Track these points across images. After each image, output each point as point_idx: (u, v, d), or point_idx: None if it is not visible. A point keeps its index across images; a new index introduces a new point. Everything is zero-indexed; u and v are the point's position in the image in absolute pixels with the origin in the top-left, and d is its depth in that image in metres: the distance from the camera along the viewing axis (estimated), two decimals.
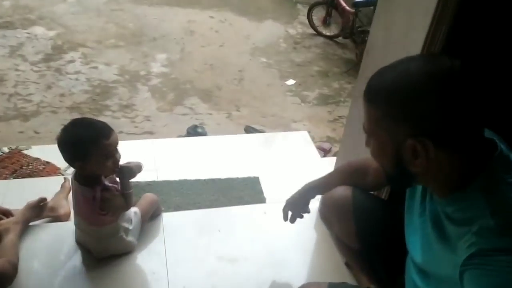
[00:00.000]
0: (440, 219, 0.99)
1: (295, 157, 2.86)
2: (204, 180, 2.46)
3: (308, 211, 1.67)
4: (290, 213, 1.68)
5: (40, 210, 1.96)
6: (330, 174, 1.58)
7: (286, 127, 3.56)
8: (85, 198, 1.60)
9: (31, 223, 1.93)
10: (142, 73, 4.03)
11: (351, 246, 1.47)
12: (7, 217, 1.90)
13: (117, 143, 1.60)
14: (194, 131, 3.27)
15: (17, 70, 3.85)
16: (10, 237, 1.77)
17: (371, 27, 1.56)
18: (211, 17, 5.23)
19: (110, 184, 1.64)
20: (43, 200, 1.95)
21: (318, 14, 5.09)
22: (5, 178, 2.53)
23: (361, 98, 1.61)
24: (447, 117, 0.87)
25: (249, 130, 3.36)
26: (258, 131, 3.35)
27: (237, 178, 2.50)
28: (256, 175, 2.56)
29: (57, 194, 2.17)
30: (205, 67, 4.26)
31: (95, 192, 1.57)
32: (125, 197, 1.64)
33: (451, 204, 0.95)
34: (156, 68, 4.13)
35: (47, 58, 4.07)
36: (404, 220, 1.21)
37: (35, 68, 3.89)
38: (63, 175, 2.57)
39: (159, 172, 2.51)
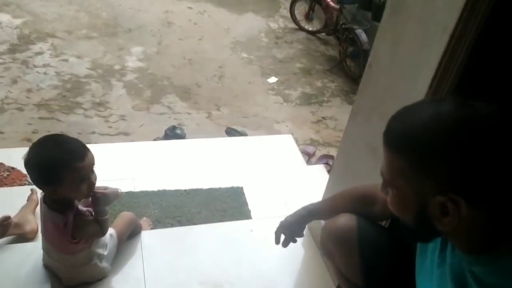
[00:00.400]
0: (464, 277, 0.87)
1: (279, 163, 2.74)
2: (185, 190, 2.30)
3: (302, 236, 1.54)
4: (282, 236, 1.54)
5: (3, 229, 1.77)
6: (331, 199, 1.44)
7: (269, 129, 3.42)
8: (55, 225, 1.43)
9: None
10: (117, 67, 3.80)
11: (352, 281, 1.34)
12: None
13: (93, 164, 1.42)
14: (172, 133, 3.09)
15: None
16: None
17: (375, 39, 1.43)
18: (189, 7, 5.01)
19: (84, 208, 1.47)
20: (7, 219, 1.77)
21: (301, 8, 4.94)
22: None
23: (360, 116, 1.48)
24: (485, 172, 0.75)
25: (230, 132, 3.21)
26: (240, 133, 3.20)
27: (220, 188, 2.35)
28: (239, 183, 2.41)
29: (23, 208, 1.98)
30: (184, 62, 4.06)
31: (66, 218, 1.40)
32: (100, 223, 1.47)
33: (481, 264, 0.83)
34: (131, 62, 3.91)
35: (13, 49, 3.79)
36: (414, 261, 1.09)
37: None
38: (29, 183, 2.36)
39: (136, 181, 2.33)
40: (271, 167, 2.66)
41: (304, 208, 1.48)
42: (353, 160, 1.63)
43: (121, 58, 3.93)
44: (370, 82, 1.47)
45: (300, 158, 2.89)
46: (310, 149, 3.21)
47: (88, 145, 2.72)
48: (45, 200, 1.45)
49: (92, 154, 1.42)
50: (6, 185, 2.37)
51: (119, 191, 1.59)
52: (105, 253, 1.60)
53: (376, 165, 1.50)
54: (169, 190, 2.29)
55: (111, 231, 1.69)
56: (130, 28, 4.42)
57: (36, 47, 3.87)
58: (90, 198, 1.48)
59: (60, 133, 1.45)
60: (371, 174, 1.55)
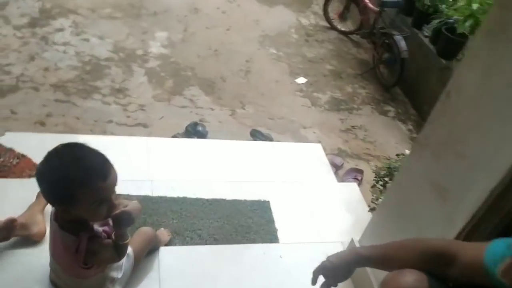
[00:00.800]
0: None
1: (307, 176, 2.55)
2: (207, 200, 2.11)
3: (344, 280, 1.33)
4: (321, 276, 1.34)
5: (8, 232, 1.59)
6: (387, 248, 1.22)
7: (295, 134, 3.21)
8: (65, 247, 1.24)
9: None
10: (139, 52, 3.60)
11: None
12: None
13: (116, 184, 1.22)
14: (194, 130, 2.89)
15: None
16: None
17: (461, 64, 1.21)
18: None
19: (100, 229, 1.27)
20: (12, 221, 1.58)
21: (335, 6, 4.69)
22: None
23: (428, 150, 1.26)
24: None
25: (255, 135, 3.00)
26: (265, 137, 3.00)
27: (245, 200, 2.16)
28: (265, 196, 2.23)
29: (31, 207, 1.79)
30: (209, 53, 3.84)
31: (79, 242, 1.21)
32: (119, 248, 1.28)
33: None
34: (155, 48, 3.70)
35: (33, 23, 3.59)
36: None
37: (18, 34, 3.42)
38: None
39: (154, 184, 2.14)
40: (299, 179, 2.47)
41: (352, 252, 1.28)
42: (411, 199, 1.42)
43: (144, 43, 3.72)
44: (447, 114, 1.26)
45: (329, 171, 2.70)
46: (338, 160, 3.00)
47: (103, 137, 2.55)
48: (56, 217, 1.26)
49: (116, 172, 1.22)
50: (14, 174, 2.19)
51: (140, 206, 1.39)
52: (119, 276, 1.41)
53: (443, 209, 1.29)
54: (190, 198, 2.10)
55: (128, 250, 1.50)
56: (156, 11, 4.20)
57: (57, 23, 3.66)
58: (110, 222, 1.29)
59: (81, 143, 1.23)
60: (435, 220, 1.35)
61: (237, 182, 2.27)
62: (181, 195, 2.10)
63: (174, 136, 2.80)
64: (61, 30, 3.60)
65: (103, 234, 1.29)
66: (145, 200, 2.02)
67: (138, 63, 3.47)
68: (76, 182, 1.11)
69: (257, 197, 2.19)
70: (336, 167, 2.92)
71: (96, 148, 1.24)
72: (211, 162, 2.43)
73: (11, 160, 2.25)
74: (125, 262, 1.46)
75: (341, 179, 2.82)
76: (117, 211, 1.24)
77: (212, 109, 3.24)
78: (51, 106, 2.88)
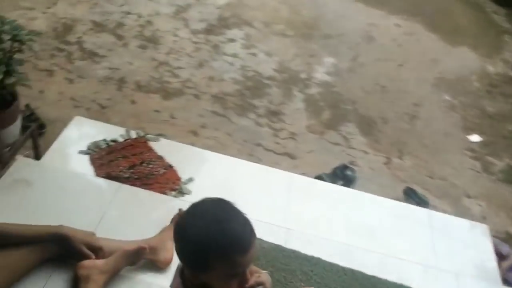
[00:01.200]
0: None
1: (464, 264, 2.12)
2: (343, 268, 1.86)
3: None
4: None
5: (136, 258, 1.55)
6: None
7: (455, 202, 2.76)
8: None
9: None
10: (302, 75, 3.47)
11: None
12: (96, 256, 1.51)
13: (254, 258, 1.05)
14: (342, 173, 2.65)
15: (175, 35, 3.54)
16: None
17: None
18: (397, 25, 4.42)
19: None
20: (143, 250, 1.53)
21: None
22: (120, 171, 2.20)
23: None
24: None
25: (409, 194, 2.64)
26: (420, 199, 2.62)
27: (386, 281, 1.85)
28: (408, 278, 1.89)
29: (163, 231, 1.75)
30: (375, 88, 3.55)
31: None
32: None
33: None
34: (319, 73, 3.53)
35: (209, 30, 3.70)
36: None
37: (194, 39, 3.55)
38: (181, 191, 2.16)
39: (290, 234, 1.96)
40: (453, 267, 2.07)
41: None
42: None
43: (309, 66, 3.58)
44: None
45: (491, 260, 2.23)
46: (505, 249, 2.47)
47: (249, 163, 2.44)
48: (182, 275, 1.13)
49: (256, 245, 1.05)
50: (158, 183, 2.21)
51: (270, 279, 1.20)
52: None
53: None
54: (324, 261, 1.87)
55: None
56: (328, 33, 4.04)
57: (230, 33, 3.72)
58: None
59: (229, 202, 1.08)
60: None
61: (380, 254, 1.98)
62: (315, 255, 1.88)
63: (318, 176, 2.59)
64: (233, 41, 3.64)
65: None
66: (276, 251, 1.85)
67: (299, 87, 3.34)
68: (217, 252, 0.97)
69: (399, 279, 1.87)
70: (500, 257, 2.41)
71: (241, 211, 1.08)
72: (355, 220, 2.16)
73: (159, 169, 2.27)
74: None
75: (503, 272, 2.32)
76: (255, 282, 1.08)
77: (366, 153, 2.96)
78: (207, 117, 2.90)
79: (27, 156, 2.46)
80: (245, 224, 1.04)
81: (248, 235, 1.02)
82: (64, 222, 1.60)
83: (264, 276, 1.15)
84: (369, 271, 1.87)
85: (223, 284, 1.05)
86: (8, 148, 2.12)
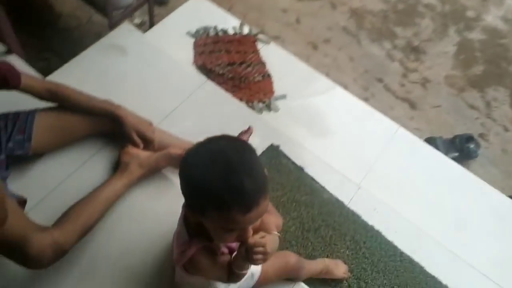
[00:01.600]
0: None
1: None
2: (401, 252, 1.60)
3: None
4: None
5: (177, 163, 1.46)
6: None
7: None
8: (178, 238, 1.03)
9: None
10: (469, 13, 2.83)
11: None
12: (145, 147, 1.46)
13: (260, 217, 0.88)
14: (461, 145, 2.23)
15: None
16: (113, 186, 1.34)
17: None
18: None
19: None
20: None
21: None
22: (217, 65, 2.08)
23: None
24: None
25: None
26: None
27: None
28: None
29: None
30: None
31: (188, 246, 0.96)
32: (231, 273, 1.01)
33: None
34: (491, 16, 2.85)
35: None
36: None
37: None
38: (268, 105, 2.00)
39: (359, 195, 1.71)
40: None
41: None
42: None
43: (483, 4, 2.89)
44: None
45: None
46: None
47: (348, 95, 2.12)
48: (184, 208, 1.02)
49: (266, 204, 0.87)
50: (249, 90, 2.08)
51: (278, 241, 1.03)
52: None
53: None
54: (383, 237, 1.62)
55: (255, 268, 1.21)
56: None
57: None
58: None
59: (252, 148, 0.90)
60: None
61: (455, 256, 1.65)
62: (376, 226, 1.63)
63: (431, 139, 2.21)
64: None
65: (224, 249, 1.01)
66: (334, 206, 1.64)
67: (458, 27, 2.75)
68: (213, 202, 0.82)
69: None
70: None
71: (261, 165, 0.89)
72: (445, 204, 1.80)
73: (256, 76, 2.10)
74: (244, 280, 1.18)
75: None
76: (253, 243, 0.92)
77: (507, 130, 2.42)
78: (335, 32, 2.57)
79: (142, 23, 2.47)
80: (258, 180, 0.85)
81: (256, 193, 0.83)
82: (137, 101, 1.56)
83: (269, 238, 0.96)
84: (432, 269, 1.57)
85: (218, 235, 0.91)
86: (121, 11, 2.11)
